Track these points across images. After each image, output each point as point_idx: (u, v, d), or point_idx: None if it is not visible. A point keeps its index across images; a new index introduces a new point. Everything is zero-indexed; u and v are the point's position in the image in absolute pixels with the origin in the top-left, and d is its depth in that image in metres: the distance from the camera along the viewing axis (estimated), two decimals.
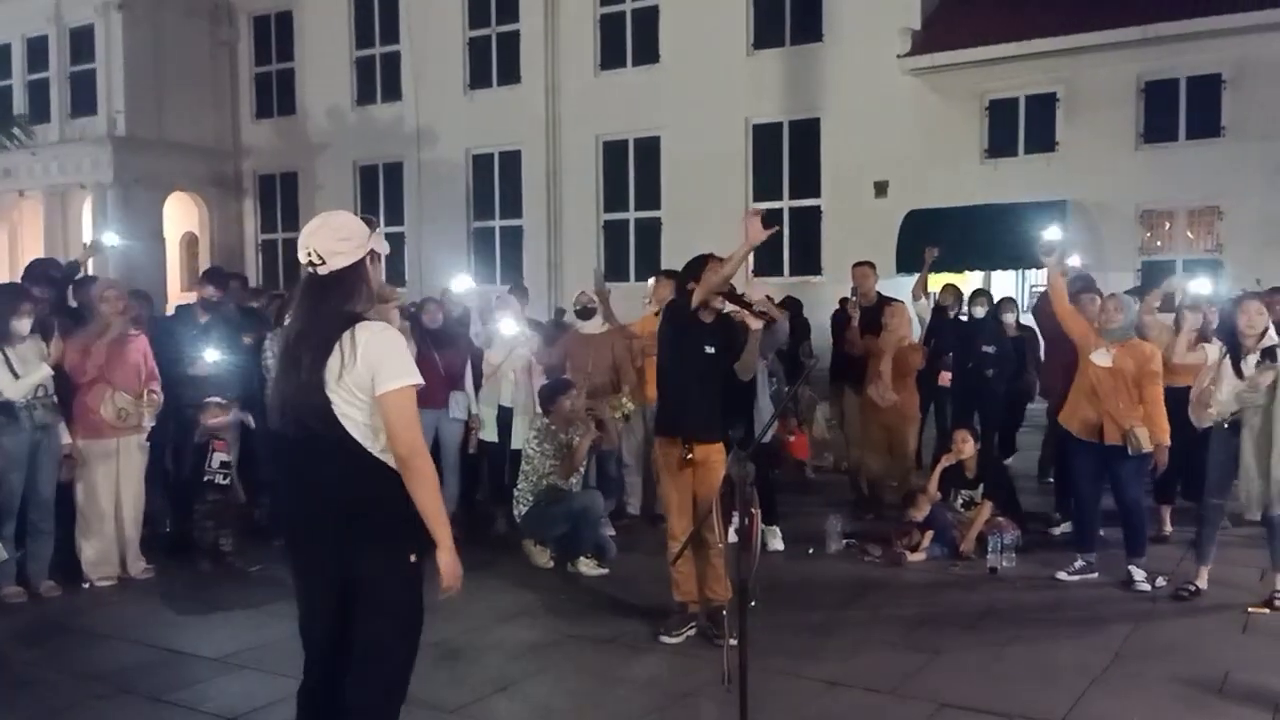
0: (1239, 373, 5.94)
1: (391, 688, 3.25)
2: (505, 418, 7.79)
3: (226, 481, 7.02)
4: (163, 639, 5.47)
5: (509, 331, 7.66)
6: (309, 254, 3.09)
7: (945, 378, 9.04)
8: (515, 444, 7.74)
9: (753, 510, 3.42)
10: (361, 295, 3.13)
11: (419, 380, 3.10)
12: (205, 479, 6.93)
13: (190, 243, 25.14)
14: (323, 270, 3.08)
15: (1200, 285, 7.85)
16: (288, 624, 5.71)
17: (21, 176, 22.89)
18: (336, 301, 3.08)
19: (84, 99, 22.96)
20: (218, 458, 7.00)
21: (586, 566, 6.75)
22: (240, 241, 24.67)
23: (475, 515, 8.00)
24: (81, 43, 22.92)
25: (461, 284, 8.78)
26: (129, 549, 6.65)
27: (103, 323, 6.44)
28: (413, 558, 3.11)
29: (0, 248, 25.03)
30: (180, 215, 24.48)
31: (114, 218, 22.33)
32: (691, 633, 5.37)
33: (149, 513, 6.87)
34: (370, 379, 3.01)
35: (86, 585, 6.42)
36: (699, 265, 5.42)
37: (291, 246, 23.99)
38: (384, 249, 3.24)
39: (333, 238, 3.09)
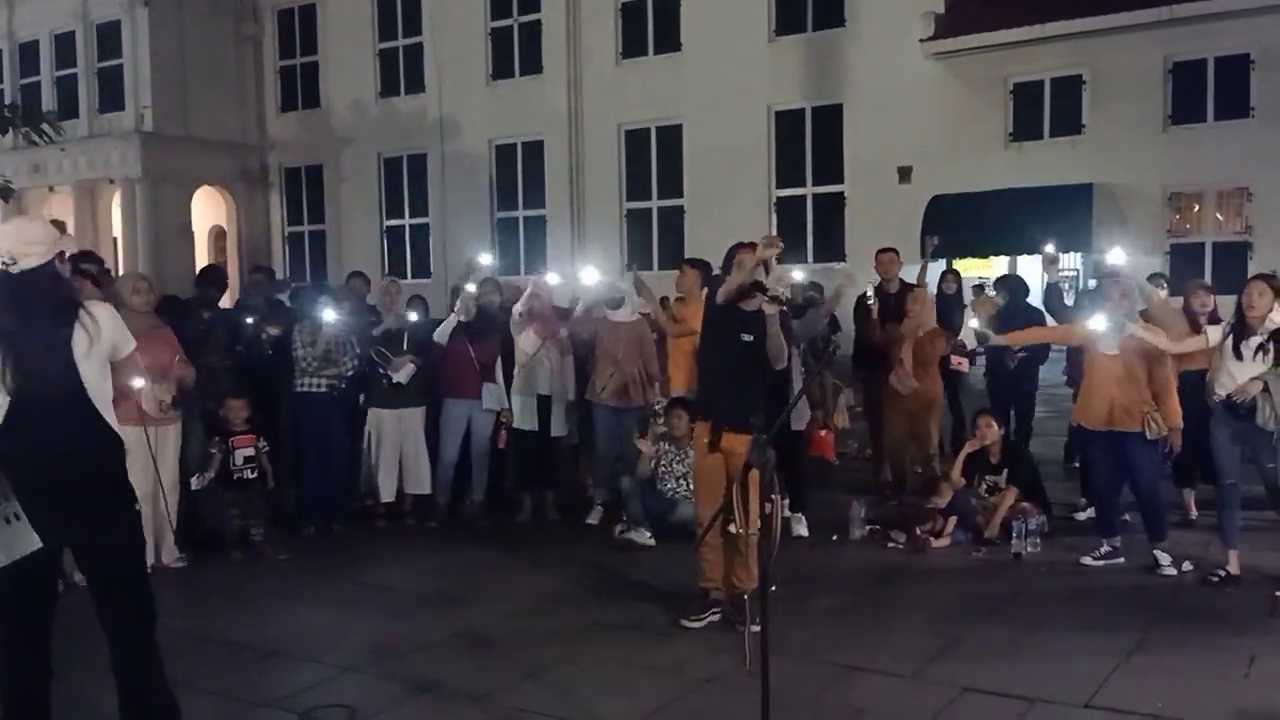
0: (1238, 354, 5.92)
1: (153, 629, 3.75)
2: (544, 407, 7.81)
3: (254, 475, 7.12)
4: (195, 627, 5.55)
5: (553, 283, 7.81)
6: (1, 256, 3.51)
7: (964, 363, 8.96)
8: (555, 432, 7.82)
9: (773, 496, 3.44)
10: (59, 288, 3.61)
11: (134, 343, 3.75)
12: (234, 476, 7.02)
13: (218, 236, 25.39)
14: (15, 269, 3.50)
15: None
16: (319, 611, 5.84)
17: (51, 172, 23.19)
18: (41, 294, 3.52)
19: (111, 95, 23.23)
20: (241, 453, 7.08)
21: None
22: (267, 234, 24.89)
23: (503, 505, 8.07)
24: (108, 39, 23.19)
25: (486, 259, 8.79)
26: (163, 539, 6.73)
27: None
28: (136, 507, 3.72)
29: None
30: (208, 209, 24.72)
31: (142, 213, 22.61)
32: (714, 618, 5.40)
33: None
34: (112, 347, 3.63)
35: None
36: (731, 256, 5.44)
37: (318, 239, 24.37)
38: (69, 247, 3.74)
39: (20, 241, 3.54)
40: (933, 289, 9.53)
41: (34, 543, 3.01)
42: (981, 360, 9.44)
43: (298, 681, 4.80)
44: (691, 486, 6.86)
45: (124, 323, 3.74)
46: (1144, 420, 6.14)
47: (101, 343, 3.57)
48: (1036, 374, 9.01)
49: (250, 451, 7.09)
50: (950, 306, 9.50)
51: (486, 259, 9.51)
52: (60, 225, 4.00)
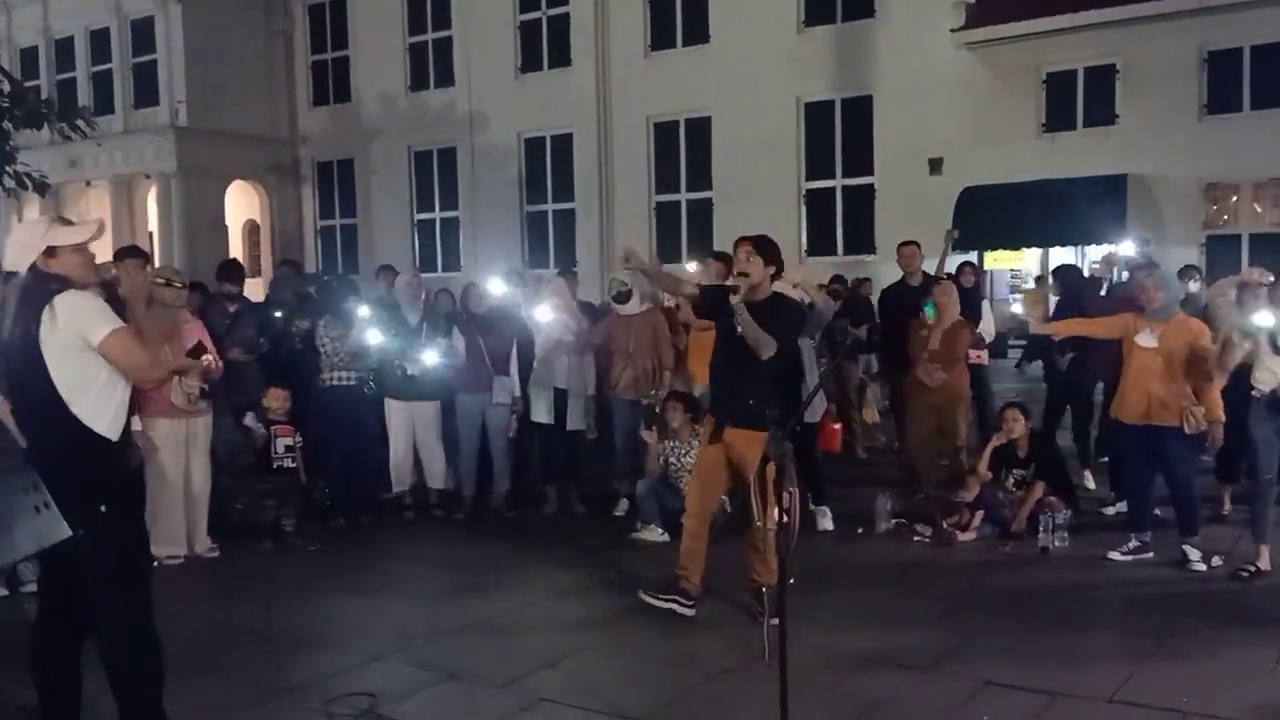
0: (1276, 349, 5.83)
1: (128, 637, 3.66)
2: (560, 400, 7.82)
3: (294, 465, 7.23)
4: (227, 615, 5.65)
5: (544, 318, 7.71)
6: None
7: (982, 356, 8.84)
8: (571, 425, 7.82)
9: (791, 489, 3.45)
10: (36, 286, 3.57)
11: (120, 324, 3.58)
12: (275, 465, 7.13)
13: (252, 230, 25.63)
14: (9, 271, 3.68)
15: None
16: (346, 600, 5.92)
17: (88, 167, 23.50)
18: (21, 296, 3.59)
19: (146, 90, 23.53)
20: (281, 442, 7.19)
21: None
22: (299, 228, 25.11)
23: (528, 498, 8.11)
24: (142, 34, 23.48)
25: (496, 287, 8.63)
26: (196, 529, 6.84)
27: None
28: (103, 508, 3.53)
29: None
30: (242, 203, 24.96)
31: (177, 207, 22.87)
32: (676, 607, 5.39)
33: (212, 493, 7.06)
34: (79, 337, 3.52)
35: (155, 564, 6.59)
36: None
37: (349, 232, 24.55)
38: (66, 239, 3.66)
39: (13, 250, 3.69)
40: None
41: (63, 531, 3.07)
42: (1017, 354, 9.30)
43: (324, 668, 4.86)
44: None
45: (99, 309, 3.61)
46: (1183, 414, 6.07)
47: (60, 332, 3.50)
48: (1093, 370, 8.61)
49: (290, 441, 7.21)
50: (968, 300, 9.31)
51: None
52: (63, 220, 3.91)
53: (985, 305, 9.65)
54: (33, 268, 3.60)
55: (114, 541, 3.59)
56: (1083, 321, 7.07)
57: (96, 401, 3.56)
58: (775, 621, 3.63)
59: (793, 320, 5.57)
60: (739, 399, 5.31)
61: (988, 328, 9.30)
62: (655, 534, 7.03)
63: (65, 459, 3.51)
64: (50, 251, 3.62)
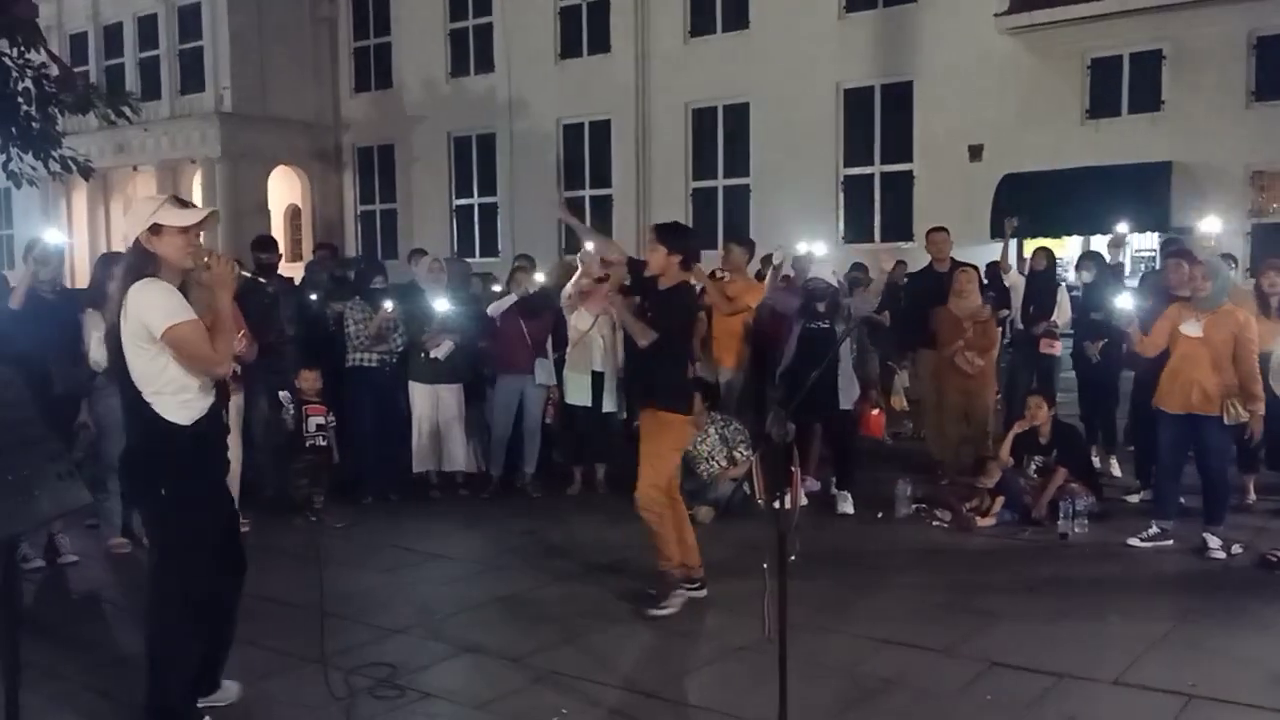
0: None
1: (175, 618, 3.77)
2: (596, 383, 7.86)
3: (325, 443, 7.38)
4: (255, 587, 5.75)
5: (583, 325, 7.69)
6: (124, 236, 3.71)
7: (1055, 346, 8.69)
8: (606, 407, 7.87)
9: (791, 468, 3.51)
10: (144, 265, 3.62)
11: (187, 317, 3.57)
12: (307, 443, 7.28)
13: (294, 215, 25.97)
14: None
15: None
16: (371, 575, 6.06)
17: (134, 151, 23.92)
18: (126, 271, 3.65)
19: (192, 76, 23.91)
20: (314, 421, 7.34)
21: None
22: (340, 213, 25.40)
23: (554, 478, 8.21)
24: (189, 21, 23.85)
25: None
26: None
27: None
28: (162, 492, 3.66)
29: (115, 220, 26.23)
30: (284, 188, 25.29)
31: (222, 192, 23.23)
32: (688, 594, 5.43)
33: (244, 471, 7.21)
34: (144, 328, 3.56)
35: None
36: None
37: (389, 217, 24.80)
38: (172, 220, 3.61)
39: (129, 221, 3.71)
40: (1016, 271, 9.25)
41: (83, 498, 3.21)
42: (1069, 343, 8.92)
43: (347, 640, 4.99)
44: (723, 464, 6.90)
45: (166, 300, 3.59)
46: (1224, 405, 6.02)
47: (129, 321, 3.57)
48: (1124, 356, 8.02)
49: (322, 420, 7.37)
50: (1043, 286, 8.99)
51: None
52: (175, 200, 3.75)
53: (1061, 291, 9.10)
54: (136, 243, 3.66)
55: (174, 525, 3.70)
56: (1146, 340, 6.46)
57: (167, 389, 3.63)
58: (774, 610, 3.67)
59: (680, 312, 5.50)
60: (640, 380, 5.46)
61: (1063, 315, 8.85)
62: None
63: (137, 441, 3.68)
64: (155, 229, 3.62)
